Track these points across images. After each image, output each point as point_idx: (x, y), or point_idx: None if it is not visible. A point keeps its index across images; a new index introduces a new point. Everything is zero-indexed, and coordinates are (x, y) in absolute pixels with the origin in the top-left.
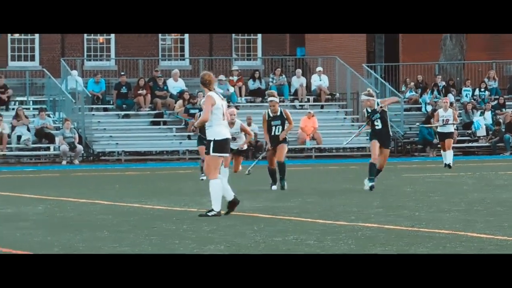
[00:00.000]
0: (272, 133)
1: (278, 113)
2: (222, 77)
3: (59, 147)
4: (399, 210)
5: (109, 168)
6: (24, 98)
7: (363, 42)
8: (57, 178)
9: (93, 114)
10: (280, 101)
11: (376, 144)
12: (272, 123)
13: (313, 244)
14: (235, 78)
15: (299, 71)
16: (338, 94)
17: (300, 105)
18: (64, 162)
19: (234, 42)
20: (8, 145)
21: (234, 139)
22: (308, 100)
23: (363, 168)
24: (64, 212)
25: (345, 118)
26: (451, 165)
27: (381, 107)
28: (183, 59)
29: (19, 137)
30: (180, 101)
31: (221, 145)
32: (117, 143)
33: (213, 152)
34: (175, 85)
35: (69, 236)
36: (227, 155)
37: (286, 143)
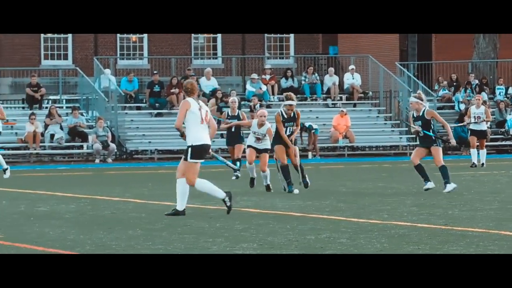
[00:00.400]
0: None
1: (292, 115)
2: (254, 75)
3: (92, 145)
4: (432, 209)
5: (142, 167)
6: (57, 97)
7: (396, 41)
8: (90, 177)
9: (126, 113)
10: (312, 100)
11: (418, 150)
12: (286, 124)
13: (346, 242)
14: (267, 77)
15: (331, 69)
16: (370, 93)
17: (332, 104)
18: (97, 161)
19: (267, 41)
20: (41, 144)
21: (258, 139)
22: (341, 99)
23: (395, 167)
24: (97, 210)
25: (377, 116)
26: (484, 164)
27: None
28: (216, 58)
29: (52, 136)
30: (212, 100)
31: (198, 151)
32: (149, 142)
33: (190, 158)
34: (208, 83)
35: (102, 234)
36: (202, 160)
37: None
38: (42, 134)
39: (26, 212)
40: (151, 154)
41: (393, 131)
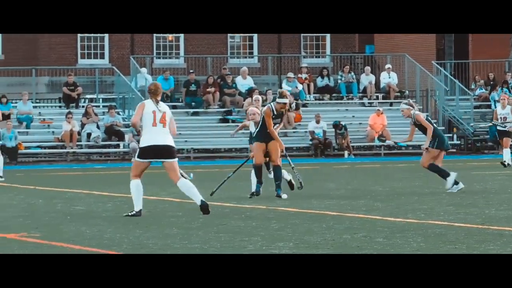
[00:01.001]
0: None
1: (282, 113)
2: (290, 74)
3: (128, 144)
4: (469, 208)
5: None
6: (94, 96)
7: (433, 40)
8: (127, 175)
9: None
10: (348, 99)
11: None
12: (274, 121)
13: (382, 241)
14: (303, 76)
15: (368, 68)
16: (407, 92)
17: (369, 103)
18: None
19: (303, 40)
20: (78, 143)
21: None
22: (377, 98)
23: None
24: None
25: None
26: (509, 163)
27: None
28: (252, 57)
29: (88, 135)
30: (248, 99)
31: (144, 152)
32: (186, 141)
33: (137, 157)
34: (244, 82)
35: (138, 233)
36: (150, 160)
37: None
38: (79, 133)
39: (63, 211)
40: (187, 153)
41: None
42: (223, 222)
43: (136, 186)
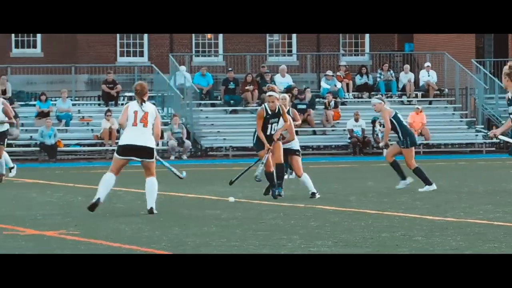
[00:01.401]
0: (268, 132)
1: (276, 110)
2: (329, 72)
3: (167, 142)
4: (508, 207)
5: (216, 163)
6: (133, 94)
7: (472, 38)
8: (165, 173)
9: (201, 110)
10: (387, 97)
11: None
12: (270, 120)
13: (421, 240)
14: (342, 74)
15: (407, 66)
16: (446, 90)
17: (408, 101)
18: (172, 157)
19: (342, 38)
20: (117, 140)
21: (283, 137)
22: (416, 96)
23: (471, 164)
24: (172, 207)
25: (453, 114)
26: None
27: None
28: (291, 55)
29: None
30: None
31: (120, 150)
32: (224, 139)
33: (115, 153)
34: (283, 80)
35: (177, 231)
36: (127, 158)
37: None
38: (118, 131)
39: (101, 209)
40: (226, 151)
41: (468, 128)
42: (261, 220)
43: (107, 179)
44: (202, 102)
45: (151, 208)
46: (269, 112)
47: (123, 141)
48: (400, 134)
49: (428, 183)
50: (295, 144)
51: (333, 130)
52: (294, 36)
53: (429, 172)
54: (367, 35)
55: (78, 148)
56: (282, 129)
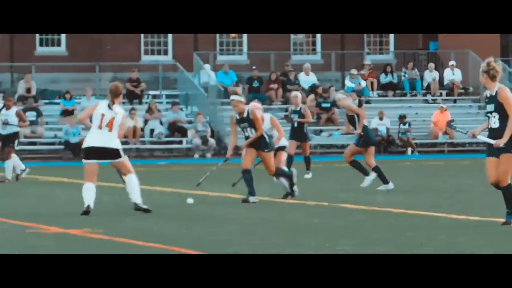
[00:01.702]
0: (244, 138)
1: (245, 115)
2: (353, 71)
3: (191, 140)
4: None
5: (237, 162)
6: (157, 92)
7: (497, 36)
8: (189, 172)
9: (225, 108)
10: (412, 95)
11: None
12: (241, 125)
13: (445, 239)
14: (366, 72)
15: (431, 65)
16: (471, 88)
17: (432, 99)
18: (196, 156)
19: (366, 36)
20: (141, 139)
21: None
22: (441, 94)
23: None
24: (196, 205)
25: (478, 112)
26: None
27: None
28: (315, 53)
29: (152, 131)
30: (311, 95)
31: (85, 153)
32: None
33: (83, 159)
34: (307, 79)
35: (199, 229)
36: (93, 161)
37: (264, 149)
38: (142, 129)
39: (126, 207)
40: None
41: None
42: (285, 219)
43: (88, 188)
44: (226, 100)
45: (136, 204)
46: (237, 117)
47: (86, 143)
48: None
49: (385, 182)
50: (283, 141)
51: None
52: (318, 34)
53: (453, 172)
54: (391, 34)
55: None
56: (253, 138)
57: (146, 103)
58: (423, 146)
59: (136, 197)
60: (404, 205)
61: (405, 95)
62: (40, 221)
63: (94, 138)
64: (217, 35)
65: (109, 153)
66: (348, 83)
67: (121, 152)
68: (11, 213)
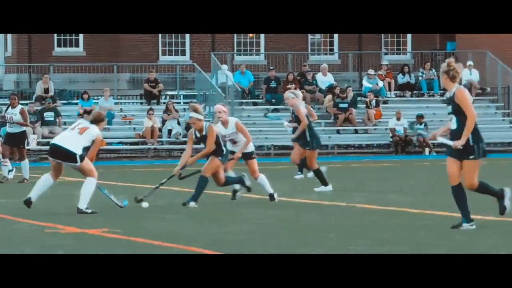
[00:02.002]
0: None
1: (204, 132)
2: (371, 71)
3: None
4: None
5: (258, 162)
6: (175, 92)
7: None
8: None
9: (243, 109)
10: (429, 96)
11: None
12: (201, 143)
13: (459, 239)
14: (384, 73)
15: None
16: (489, 89)
17: None
18: None
19: (384, 37)
20: (159, 139)
21: (234, 142)
22: None
23: None
24: (214, 205)
25: (496, 112)
26: None
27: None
28: (332, 54)
29: (169, 131)
30: (329, 96)
31: (49, 150)
32: (266, 137)
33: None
34: (324, 79)
35: (217, 229)
36: (53, 159)
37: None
38: (160, 129)
39: (143, 207)
40: (267, 150)
41: (511, 127)
42: (300, 219)
43: (43, 180)
44: (244, 101)
45: (79, 208)
46: (197, 135)
47: (53, 139)
48: (307, 136)
49: (324, 184)
50: (250, 147)
51: (374, 129)
52: (336, 34)
53: None
54: (409, 34)
55: (120, 146)
56: (200, 155)
57: (164, 103)
58: (441, 146)
59: (82, 202)
60: (420, 205)
61: (422, 95)
62: (57, 221)
63: (58, 136)
64: (235, 35)
65: (65, 155)
66: (366, 83)
67: (78, 159)
68: (28, 213)
